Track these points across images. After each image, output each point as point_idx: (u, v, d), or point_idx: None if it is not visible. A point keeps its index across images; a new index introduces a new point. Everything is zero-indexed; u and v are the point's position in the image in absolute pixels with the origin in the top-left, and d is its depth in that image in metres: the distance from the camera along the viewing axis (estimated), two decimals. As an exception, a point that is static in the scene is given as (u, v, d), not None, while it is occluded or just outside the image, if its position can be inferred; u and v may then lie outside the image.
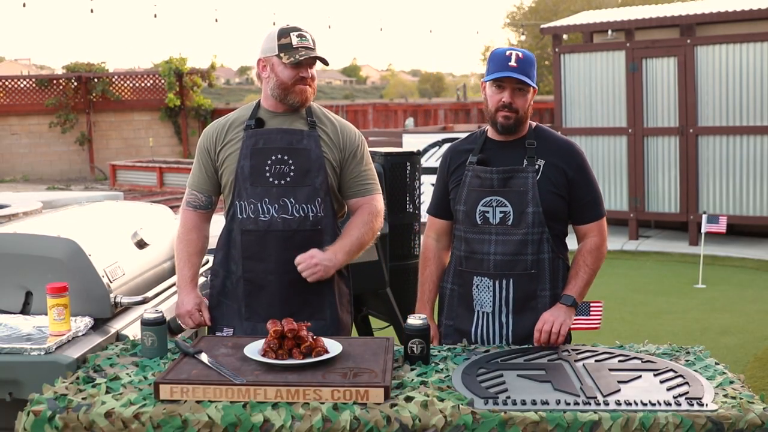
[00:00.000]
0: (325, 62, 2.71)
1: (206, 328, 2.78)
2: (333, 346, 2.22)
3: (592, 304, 3.07)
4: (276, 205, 2.64)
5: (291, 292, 2.66)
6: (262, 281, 2.67)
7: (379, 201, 2.78)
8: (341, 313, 2.74)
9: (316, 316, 2.65)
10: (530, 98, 2.62)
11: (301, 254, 2.58)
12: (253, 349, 2.22)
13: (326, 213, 2.68)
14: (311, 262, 2.57)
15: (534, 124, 2.71)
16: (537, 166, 2.60)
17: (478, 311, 2.65)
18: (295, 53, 2.63)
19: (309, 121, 2.71)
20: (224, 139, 2.73)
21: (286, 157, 2.65)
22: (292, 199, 2.64)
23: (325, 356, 2.15)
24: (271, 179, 2.64)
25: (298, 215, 2.64)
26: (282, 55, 2.63)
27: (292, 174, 2.65)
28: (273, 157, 2.65)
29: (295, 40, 2.64)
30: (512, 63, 2.54)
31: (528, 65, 2.56)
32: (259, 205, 2.64)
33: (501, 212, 2.59)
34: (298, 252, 2.61)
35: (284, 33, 2.66)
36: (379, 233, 2.81)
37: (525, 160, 2.60)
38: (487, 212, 2.61)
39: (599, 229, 2.66)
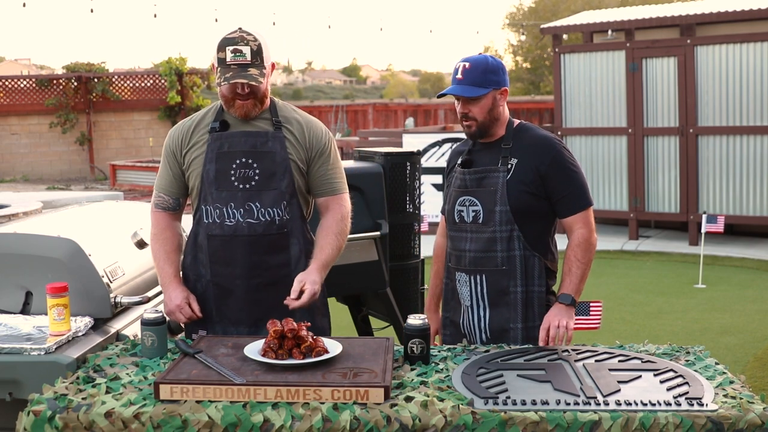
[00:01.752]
0: (256, 81, 2.54)
1: (183, 330, 2.75)
2: (333, 346, 2.23)
3: (591, 304, 3.08)
4: (241, 210, 2.61)
5: (259, 295, 2.63)
6: (230, 285, 2.64)
7: (346, 201, 2.74)
8: (314, 316, 2.67)
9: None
10: (490, 102, 2.66)
11: (293, 291, 2.48)
12: (253, 349, 2.22)
13: (293, 215, 2.65)
14: (309, 289, 2.49)
15: (517, 122, 2.76)
16: (509, 166, 2.66)
17: (462, 304, 2.77)
18: (225, 72, 2.55)
19: (274, 121, 2.66)
20: (189, 142, 2.70)
21: (250, 161, 2.61)
22: (257, 203, 2.60)
23: (325, 356, 2.16)
24: (236, 183, 2.61)
25: (263, 219, 2.60)
26: (217, 69, 2.58)
27: (257, 178, 2.61)
28: (238, 161, 2.62)
29: (229, 56, 2.54)
30: (459, 76, 2.67)
31: (475, 74, 2.64)
32: (224, 209, 2.61)
33: (473, 211, 2.70)
34: (264, 256, 2.61)
35: (222, 46, 2.56)
36: (378, 232, 2.81)
37: (499, 161, 2.67)
38: (462, 211, 2.73)
39: (583, 221, 2.66)
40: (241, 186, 2.61)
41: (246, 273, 2.62)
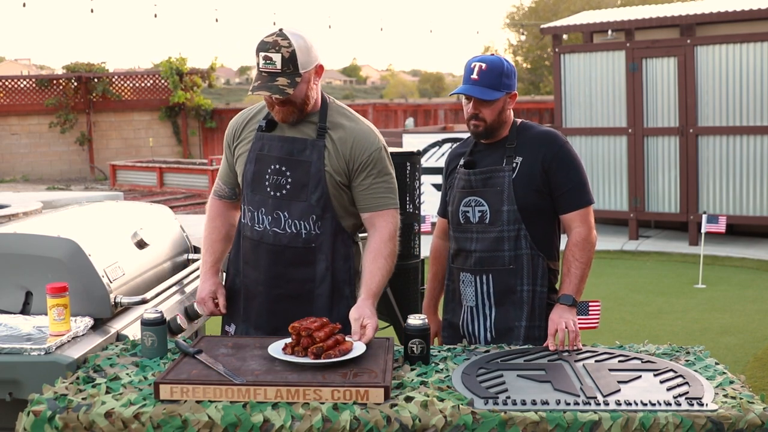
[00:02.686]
0: (281, 93, 2.43)
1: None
2: (357, 348, 2.22)
3: (590, 304, 3.08)
4: (270, 217, 2.55)
5: (279, 306, 2.59)
6: (255, 290, 2.64)
7: (394, 217, 2.59)
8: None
9: None
10: (501, 105, 2.66)
11: (353, 333, 2.33)
12: (277, 347, 2.23)
13: (324, 231, 2.54)
14: (370, 327, 2.33)
15: (519, 121, 2.76)
16: (514, 165, 2.66)
17: (464, 305, 2.75)
18: (256, 79, 2.47)
19: (319, 126, 2.54)
20: (240, 136, 2.66)
21: (284, 168, 2.53)
22: (286, 213, 2.53)
23: (328, 360, 2.13)
24: (268, 189, 2.55)
25: (290, 231, 2.54)
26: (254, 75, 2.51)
27: (288, 187, 2.53)
28: (273, 167, 2.55)
29: (261, 62, 2.44)
30: (474, 76, 2.63)
31: (492, 76, 2.62)
32: (255, 213, 2.58)
33: (479, 211, 2.69)
34: (288, 268, 2.55)
35: (257, 50, 2.46)
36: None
37: (504, 160, 2.66)
38: (468, 212, 2.72)
39: (582, 218, 2.66)
40: (273, 193, 2.55)
41: (268, 281, 2.59)
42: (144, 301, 2.73)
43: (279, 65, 2.41)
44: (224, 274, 2.83)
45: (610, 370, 2.22)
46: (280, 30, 2.46)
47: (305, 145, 2.53)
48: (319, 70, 2.53)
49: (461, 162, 2.78)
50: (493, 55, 2.71)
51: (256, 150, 2.59)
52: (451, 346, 2.51)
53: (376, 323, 2.35)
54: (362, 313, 2.36)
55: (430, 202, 9.28)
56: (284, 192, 2.53)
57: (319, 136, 2.53)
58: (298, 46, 2.43)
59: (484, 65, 2.63)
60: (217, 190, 2.79)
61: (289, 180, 2.53)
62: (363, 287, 2.47)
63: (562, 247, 2.68)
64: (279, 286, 2.57)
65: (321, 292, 2.58)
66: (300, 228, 2.53)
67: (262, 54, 2.43)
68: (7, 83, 19.81)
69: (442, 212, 2.92)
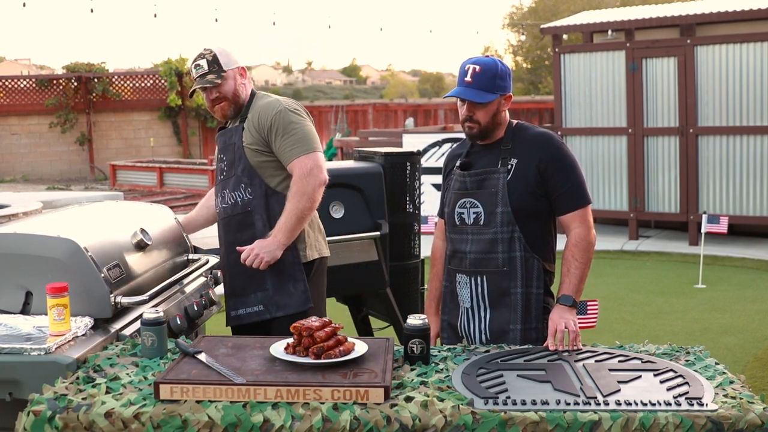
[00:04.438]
0: (210, 83, 3.01)
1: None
2: (359, 348, 2.21)
3: (588, 303, 3.08)
4: (220, 197, 3.13)
5: (236, 270, 3.04)
6: (222, 261, 3.19)
7: (303, 161, 2.94)
8: (286, 283, 3.00)
9: (260, 287, 3.01)
10: (495, 107, 2.65)
11: (245, 248, 2.93)
12: (279, 347, 2.23)
13: (255, 194, 3.00)
14: (252, 254, 2.90)
15: (514, 122, 2.75)
16: (509, 166, 2.65)
17: (461, 306, 2.76)
18: (193, 86, 3.11)
19: (242, 116, 3.08)
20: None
21: (222, 156, 3.12)
22: (226, 190, 3.07)
23: (328, 360, 2.13)
24: (218, 176, 3.14)
25: (230, 202, 3.06)
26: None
27: (225, 169, 3.09)
28: (219, 156, 3.14)
29: (193, 72, 3.07)
30: (468, 78, 2.63)
31: (486, 78, 2.61)
32: (216, 198, 3.19)
33: (474, 213, 2.69)
34: (235, 234, 3.05)
35: (191, 68, 3.09)
36: (379, 232, 2.94)
37: (499, 162, 2.66)
38: (463, 213, 2.72)
39: (581, 219, 2.65)
40: (219, 177, 3.14)
41: (225, 250, 3.13)
42: (144, 301, 2.73)
43: (206, 67, 3.03)
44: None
45: (610, 370, 2.22)
46: (204, 47, 3.09)
47: (232, 133, 3.09)
48: (242, 71, 3.10)
49: (457, 163, 2.78)
50: (488, 56, 2.70)
51: (217, 147, 3.19)
52: (451, 346, 2.51)
53: (267, 254, 2.89)
54: (258, 244, 2.92)
55: (430, 202, 9.27)
56: (224, 174, 3.09)
57: (241, 122, 3.07)
58: (218, 51, 3.05)
59: (478, 67, 2.62)
60: None
61: (225, 163, 3.09)
62: (276, 225, 2.96)
63: (560, 247, 2.68)
64: (233, 252, 3.03)
65: None
66: (236, 198, 3.05)
67: (193, 65, 3.07)
68: (7, 83, 19.80)
69: (441, 213, 2.92)
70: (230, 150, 3.06)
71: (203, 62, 3.03)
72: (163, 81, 20.69)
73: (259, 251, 2.89)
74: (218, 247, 3.23)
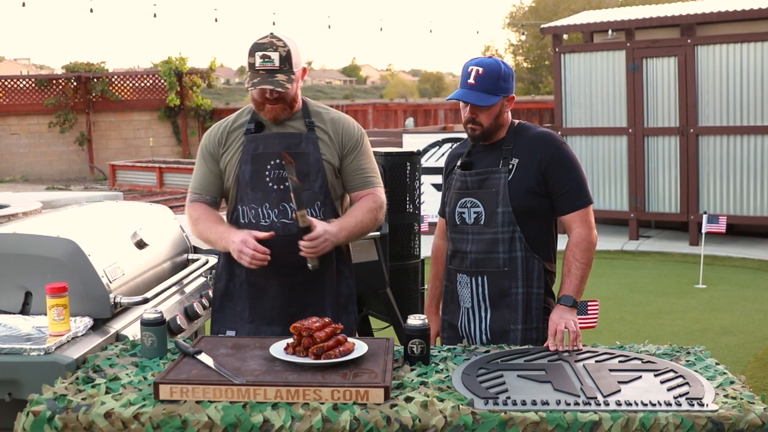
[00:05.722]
0: (282, 87, 2.58)
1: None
2: (358, 348, 2.21)
3: (589, 303, 3.08)
4: (276, 210, 2.65)
5: (293, 294, 2.69)
6: (265, 285, 2.69)
7: (381, 193, 2.76)
8: (342, 315, 2.73)
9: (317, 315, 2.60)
10: (498, 110, 2.65)
11: (318, 229, 2.54)
12: (279, 348, 2.23)
13: (326, 215, 2.67)
14: (321, 239, 2.53)
15: (516, 122, 2.75)
16: (511, 166, 2.65)
17: (461, 306, 2.75)
18: (254, 77, 2.60)
19: (307, 122, 2.70)
20: (225, 143, 2.75)
21: (278, 161, 2.65)
22: (291, 204, 2.61)
23: (328, 360, 2.13)
24: (270, 184, 2.66)
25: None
26: (247, 73, 2.64)
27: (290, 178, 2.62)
28: (272, 162, 2.66)
29: (258, 61, 2.59)
30: (471, 80, 2.61)
31: (489, 80, 2.60)
32: (259, 210, 2.66)
33: (475, 212, 2.69)
34: (298, 255, 2.56)
35: (252, 51, 2.61)
36: (378, 232, 2.80)
37: (500, 162, 2.66)
38: (464, 213, 2.72)
39: (582, 219, 2.65)
40: (275, 186, 2.65)
41: (281, 272, 2.65)
42: (144, 301, 2.73)
43: (277, 63, 2.59)
44: (213, 284, 2.83)
45: (610, 370, 2.22)
46: (272, 33, 2.65)
47: (300, 139, 2.68)
48: (303, 72, 2.72)
49: (458, 163, 2.78)
50: (490, 57, 2.70)
51: (250, 151, 2.68)
52: (451, 347, 2.50)
53: (331, 241, 2.55)
54: (325, 227, 2.56)
55: (430, 202, 9.28)
56: (287, 184, 2.60)
57: (310, 130, 2.70)
58: (292, 47, 2.63)
59: (481, 69, 2.60)
60: (196, 198, 2.76)
61: (285, 171, 2.62)
62: (339, 220, 2.66)
63: (560, 248, 2.67)
64: (293, 275, 2.65)
65: (329, 274, 2.72)
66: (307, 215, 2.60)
67: (259, 53, 2.58)
68: (6, 83, 19.81)
69: (443, 212, 2.92)
70: (301, 159, 2.64)
71: (275, 56, 2.59)
72: (162, 81, 20.69)
73: (328, 238, 2.56)
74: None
